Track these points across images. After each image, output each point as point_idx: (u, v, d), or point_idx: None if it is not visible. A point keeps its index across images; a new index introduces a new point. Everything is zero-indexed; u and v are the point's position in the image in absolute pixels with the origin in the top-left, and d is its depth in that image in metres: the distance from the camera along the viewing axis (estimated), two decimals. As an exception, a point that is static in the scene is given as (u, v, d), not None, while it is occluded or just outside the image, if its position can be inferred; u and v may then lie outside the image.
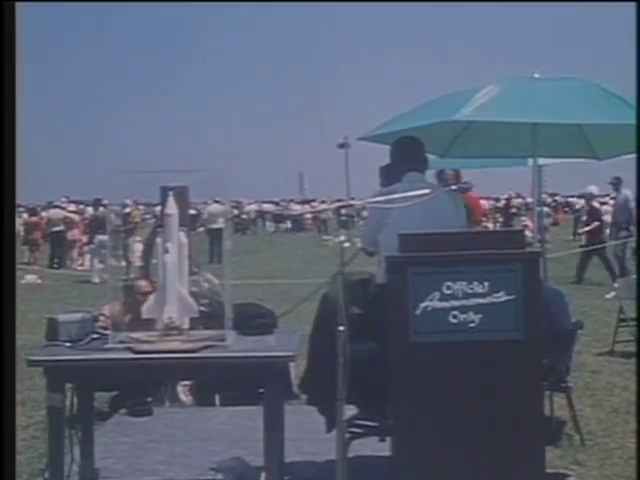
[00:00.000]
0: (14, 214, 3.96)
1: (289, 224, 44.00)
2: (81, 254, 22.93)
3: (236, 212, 42.53)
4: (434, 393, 3.82)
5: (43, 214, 25.39)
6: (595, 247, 15.31)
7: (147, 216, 20.79)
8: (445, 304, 3.80)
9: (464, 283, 3.80)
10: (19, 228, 23.38)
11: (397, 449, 3.98)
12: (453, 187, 5.01)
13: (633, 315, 8.61)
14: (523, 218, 26.93)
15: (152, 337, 3.93)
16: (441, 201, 4.43)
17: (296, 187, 48.34)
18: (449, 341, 3.80)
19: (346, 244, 3.96)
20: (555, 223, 32.57)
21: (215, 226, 21.94)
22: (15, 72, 3.71)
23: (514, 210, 32.97)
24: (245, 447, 5.22)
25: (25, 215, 26.95)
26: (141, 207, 18.85)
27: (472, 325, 3.80)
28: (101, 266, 17.85)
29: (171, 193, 3.95)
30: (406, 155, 4.83)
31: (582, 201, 32.27)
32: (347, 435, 4.06)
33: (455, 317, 3.80)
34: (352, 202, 4.19)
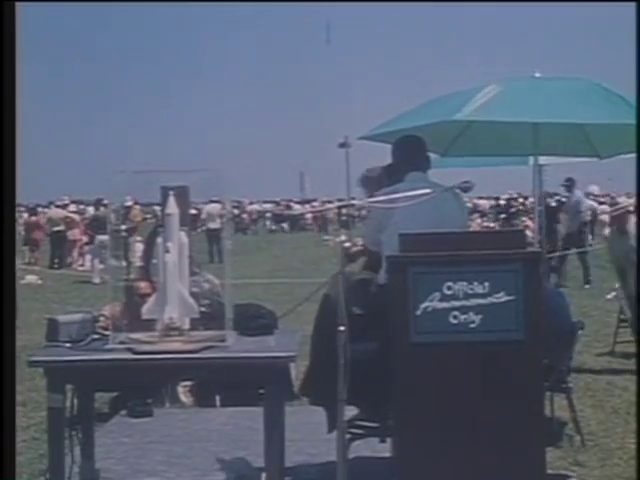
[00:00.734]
0: (14, 214, 3.96)
1: (285, 226, 44.00)
2: (81, 254, 22.92)
3: (236, 212, 42.55)
4: (435, 394, 3.81)
5: (46, 211, 25.37)
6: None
7: (148, 216, 20.81)
8: (446, 304, 3.79)
9: (465, 283, 3.79)
10: (19, 228, 23.37)
11: (398, 450, 3.98)
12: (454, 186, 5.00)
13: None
14: (523, 218, 26.89)
15: (152, 338, 3.93)
16: (444, 201, 4.42)
17: (297, 187, 48.39)
18: (449, 341, 3.80)
19: (346, 244, 3.96)
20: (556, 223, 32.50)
21: (213, 226, 21.99)
22: (15, 72, 3.71)
23: (514, 210, 32.95)
24: (245, 448, 5.21)
25: (25, 215, 26.95)
26: (137, 207, 18.88)
27: (473, 325, 3.79)
28: (101, 266, 17.85)
29: (172, 193, 3.95)
30: (408, 154, 4.82)
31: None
32: (348, 436, 4.06)
33: (456, 317, 3.79)
34: (353, 202, 4.19)
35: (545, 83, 5.52)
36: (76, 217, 23.86)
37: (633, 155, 5.77)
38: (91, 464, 4.60)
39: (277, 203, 50.34)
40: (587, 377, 7.48)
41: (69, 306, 11.00)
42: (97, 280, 17.67)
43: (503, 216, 28.79)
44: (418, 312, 3.78)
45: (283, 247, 30.98)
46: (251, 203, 48.26)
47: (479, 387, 3.81)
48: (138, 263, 13.19)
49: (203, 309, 4.13)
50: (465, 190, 4.19)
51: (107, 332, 4.03)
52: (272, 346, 4.07)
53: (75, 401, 4.29)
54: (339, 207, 4.07)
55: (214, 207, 21.14)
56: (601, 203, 34.57)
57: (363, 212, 34.83)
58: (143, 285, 5.16)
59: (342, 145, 8.50)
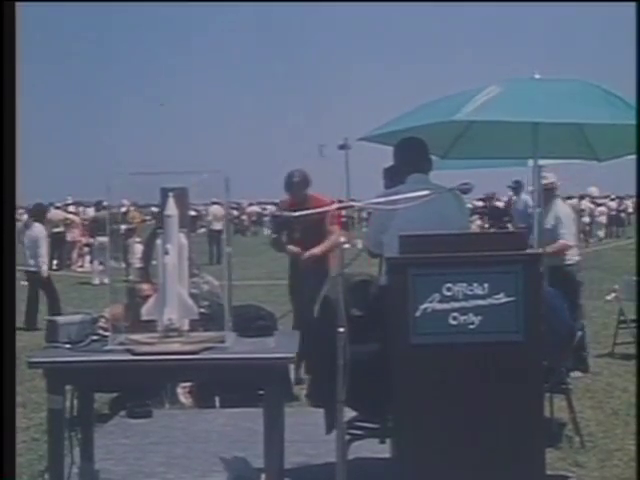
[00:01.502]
0: (14, 214, 3.96)
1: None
2: (81, 255, 22.93)
3: (236, 213, 42.49)
4: (434, 395, 3.81)
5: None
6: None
7: (147, 217, 20.81)
8: (445, 306, 3.79)
9: (464, 285, 3.79)
10: (19, 229, 23.34)
11: (397, 451, 3.98)
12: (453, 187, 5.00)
13: (633, 317, 8.62)
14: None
15: (152, 339, 3.93)
16: (445, 202, 4.42)
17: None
18: (449, 343, 3.80)
19: (346, 245, 3.96)
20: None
21: (216, 227, 22.13)
22: (15, 72, 3.71)
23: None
24: (245, 449, 5.21)
25: (25, 216, 26.92)
26: (132, 208, 18.88)
27: (472, 327, 3.79)
28: (101, 267, 17.86)
29: (171, 194, 3.95)
30: (410, 156, 4.82)
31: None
32: (347, 437, 4.06)
33: (455, 319, 3.79)
34: (352, 203, 4.19)
35: (545, 84, 5.53)
36: (76, 218, 23.88)
37: (633, 157, 5.79)
38: (91, 465, 4.60)
39: (276, 204, 50.21)
40: (586, 378, 7.49)
41: (68, 307, 10.98)
42: (96, 281, 17.67)
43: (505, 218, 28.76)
44: (417, 313, 3.78)
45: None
46: (250, 204, 48.19)
47: (478, 388, 3.81)
48: (137, 265, 13.19)
49: (202, 310, 4.12)
50: (464, 192, 4.20)
51: (107, 333, 4.03)
52: (271, 347, 4.07)
53: (75, 402, 4.30)
54: (338, 208, 4.07)
55: (218, 208, 21.19)
56: (598, 205, 34.62)
57: (363, 214, 34.84)
58: (145, 287, 5.16)
59: (342, 147, 8.50)
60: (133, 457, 5.43)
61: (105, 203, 7.79)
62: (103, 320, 4.20)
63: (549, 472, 4.23)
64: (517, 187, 14.26)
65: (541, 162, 6.45)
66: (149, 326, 3.98)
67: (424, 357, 3.80)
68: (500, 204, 16.97)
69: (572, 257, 7.94)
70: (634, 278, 8.96)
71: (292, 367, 5.52)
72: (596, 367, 8.06)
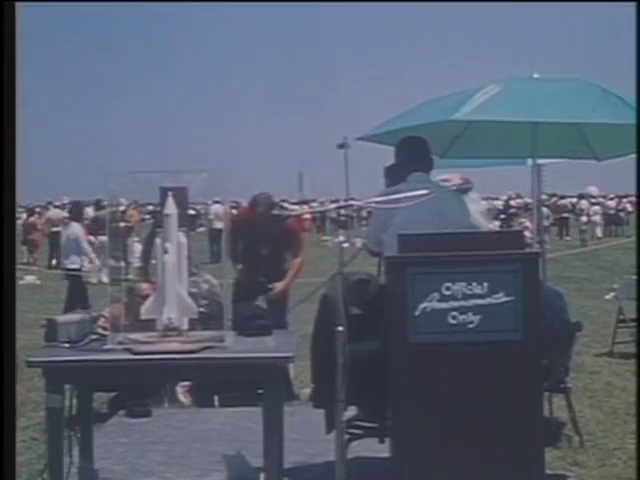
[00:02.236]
0: (14, 214, 3.95)
1: None
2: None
3: (235, 212, 42.45)
4: (433, 394, 3.82)
5: (44, 212, 25.39)
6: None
7: (146, 217, 20.81)
8: (444, 305, 3.79)
9: (463, 284, 3.79)
10: (18, 229, 23.37)
11: (396, 450, 3.98)
12: (453, 187, 5.01)
13: (632, 316, 8.61)
14: (522, 219, 26.92)
15: (151, 338, 3.93)
16: (446, 202, 4.42)
17: (296, 188, 48.33)
18: (448, 342, 3.80)
19: (345, 244, 3.96)
20: (554, 224, 32.59)
21: (218, 226, 22.21)
22: (15, 72, 3.71)
23: (513, 210, 33.00)
24: (244, 448, 5.21)
25: (24, 216, 26.93)
26: (131, 207, 18.89)
27: (471, 326, 3.79)
28: (100, 266, 17.83)
29: (170, 193, 3.95)
30: (411, 155, 4.82)
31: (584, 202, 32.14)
32: (346, 436, 4.06)
33: (454, 318, 3.79)
34: (352, 202, 4.19)
35: (544, 84, 5.52)
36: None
37: (632, 156, 5.78)
38: (90, 464, 4.60)
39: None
40: (586, 377, 7.49)
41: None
42: (95, 280, 17.65)
43: (502, 217, 28.82)
44: (417, 312, 3.78)
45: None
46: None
47: (478, 387, 3.81)
48: (137, 264, 13.19)
49: (202, 309, 4.13)
50: (464, 191, 4.20)
51: (106, 332, 4.03)
52: (271, 346, 4.07)
53: (74, 401, 4.30)
54: (338, 207, 4.08)
55: (220, 207, 21.24)
56: (594, 204, 34.62)
57: (363, 213, 34.84)
58: (145, 286, 5.16)
59: (341, 146, 8.50)
60: (132, 456, 5.43)
61: (105, 202, 7.80)
62: (102, 319, 4.20)
63: (548, 471, 4.24)
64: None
65: (540, 161, 6.45)
66: (148, 325, 3.98)
67: (423, 356, 3.81)
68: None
69: None
70: (633, 277, 8.96)
71: (291, 366, 5.51)
72: (595, 366, 8.06)
